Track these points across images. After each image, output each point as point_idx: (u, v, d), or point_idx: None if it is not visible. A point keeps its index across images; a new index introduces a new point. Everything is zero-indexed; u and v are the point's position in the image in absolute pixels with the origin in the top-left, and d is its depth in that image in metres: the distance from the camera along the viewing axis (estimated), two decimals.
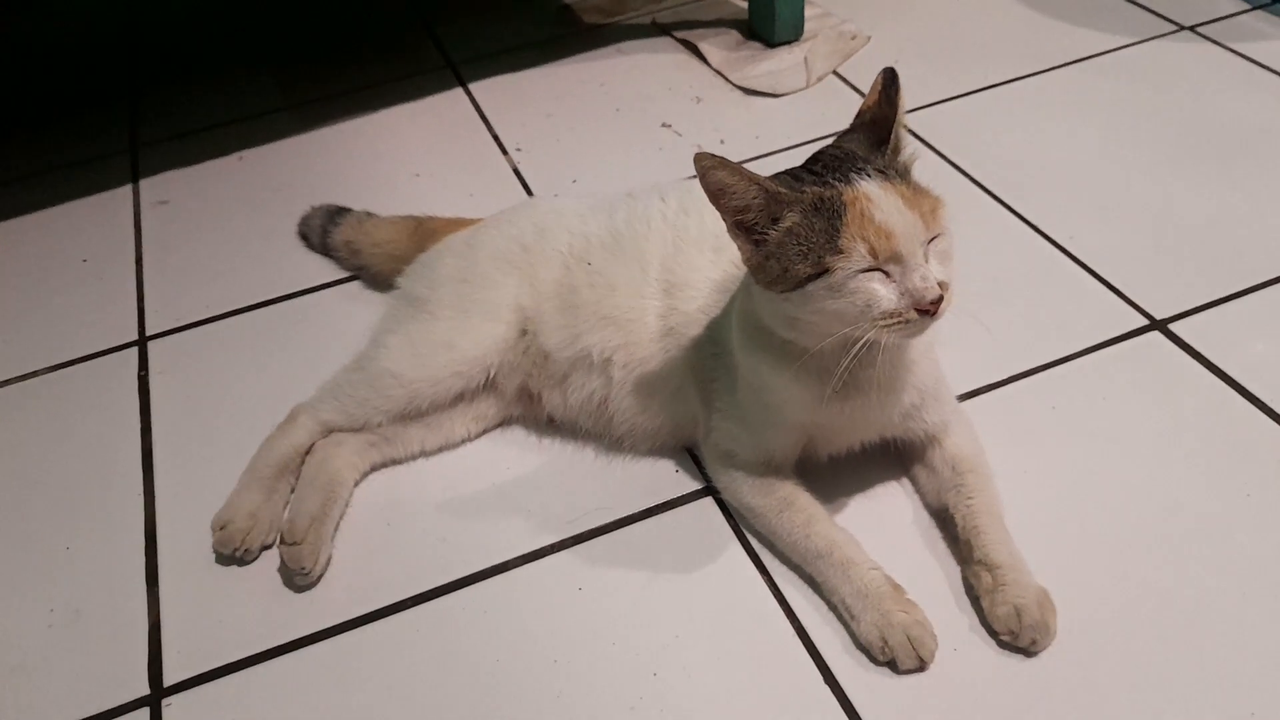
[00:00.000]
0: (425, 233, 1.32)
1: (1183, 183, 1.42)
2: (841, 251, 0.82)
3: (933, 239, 0.84)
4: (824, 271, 0.82)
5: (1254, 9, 1.78)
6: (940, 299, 0.82)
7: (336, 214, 1.45)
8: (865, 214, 0.82)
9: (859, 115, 0.91)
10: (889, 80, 0.89)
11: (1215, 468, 1.04)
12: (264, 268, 1.47)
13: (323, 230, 1.44)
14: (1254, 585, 0.93)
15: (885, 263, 0.82)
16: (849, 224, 0.82)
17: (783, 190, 0.84)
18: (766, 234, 0.86)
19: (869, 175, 0.84)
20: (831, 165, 0.86)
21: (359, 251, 1.39)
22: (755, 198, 0.85)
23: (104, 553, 1.09)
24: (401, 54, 1.98)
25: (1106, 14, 1.82)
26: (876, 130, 0.88)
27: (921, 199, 0.84)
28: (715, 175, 0.84)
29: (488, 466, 1.14)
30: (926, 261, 0.83)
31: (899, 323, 0.83)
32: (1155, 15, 1.80)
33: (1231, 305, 1.22)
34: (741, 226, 0.87)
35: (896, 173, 0.86)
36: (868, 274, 0.82)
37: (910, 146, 0.89)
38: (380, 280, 1.36)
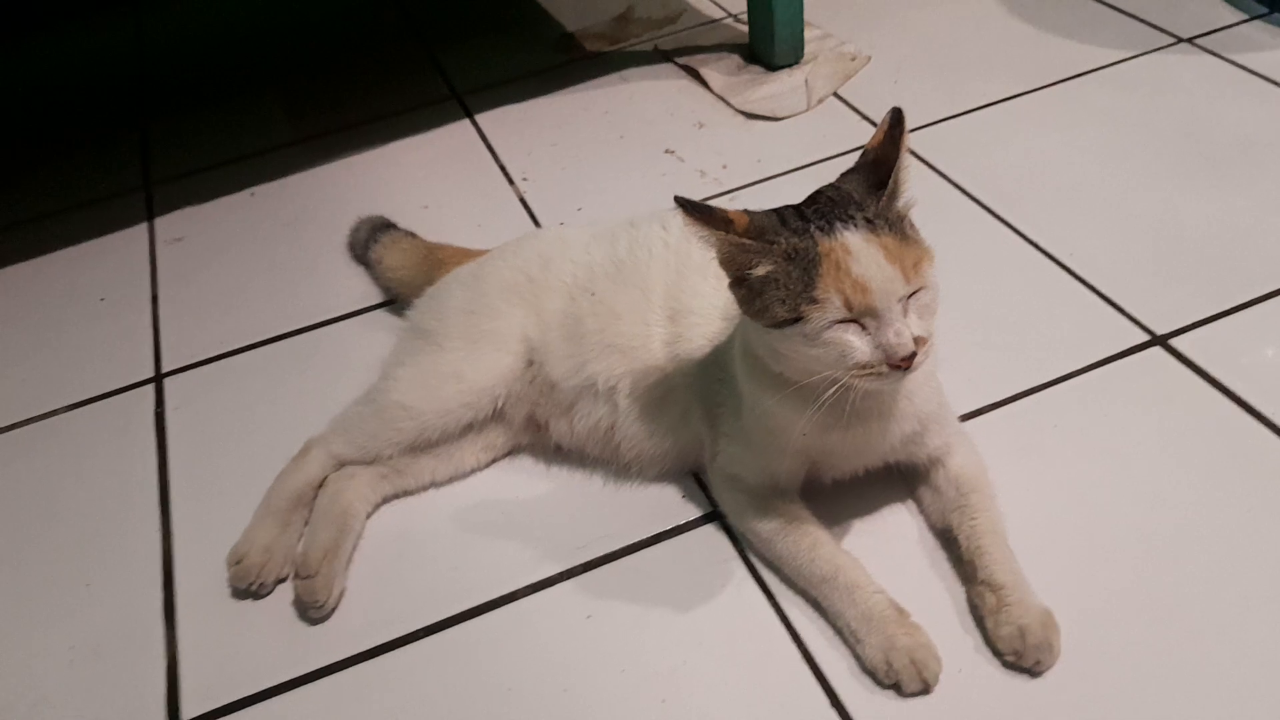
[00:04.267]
0: (435, 262, 1.34)
1: (1183, 196, 1.43)
2: (817, 301, 0.82)
3: (915, 292, 0.84)
4: (800, 318, 0.84)
5: (1252, 19, 1.79)
6: (914, 354, 0.83)
7: (381, 229, 1.47)
8: (842, 266, 0.82)
9: (863, 154, 0.91)
10: (894, 121, 0.88)
11: (1218, 483, 1.04)
12: (277, 302, 1.50)
13: (365, 244, 1.48)
14: (1258, 600, 0.94)
15: (861, 315, 0.83)
16: (825, 275, 0.82)
17: (750, 242, 0.85)
18: (748, 274, 0.87)
19: (855, 225, 0.84)
20: (824, 208, 0.86)
21: (384, 272, 1.43)
22: (723, 247, 0.86)
23: (123, 588, 1.11)
24: (408, 86, 2.01)
25: (1105, 28, 1.83)
26: (877, 171, 0.88)
27: (906, 251, 0.83)
28: (689, 224, 0.85)
29: (497, 496, 1.15)
30: (906, 315, 0.84)
31: (872, 374, 0.84)
32: (1153, 28, 1.81)
33: (1232, 319, 1.22)
34: (724, 264, 0.88)
35: (887, 221, 0.85)
36: (843, 325, 0.83)
37: (909, 193, 0.88)
38: (407, 304, 1.36)
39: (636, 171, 1.67)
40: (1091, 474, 1.07)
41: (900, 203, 0.88)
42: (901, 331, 0.83)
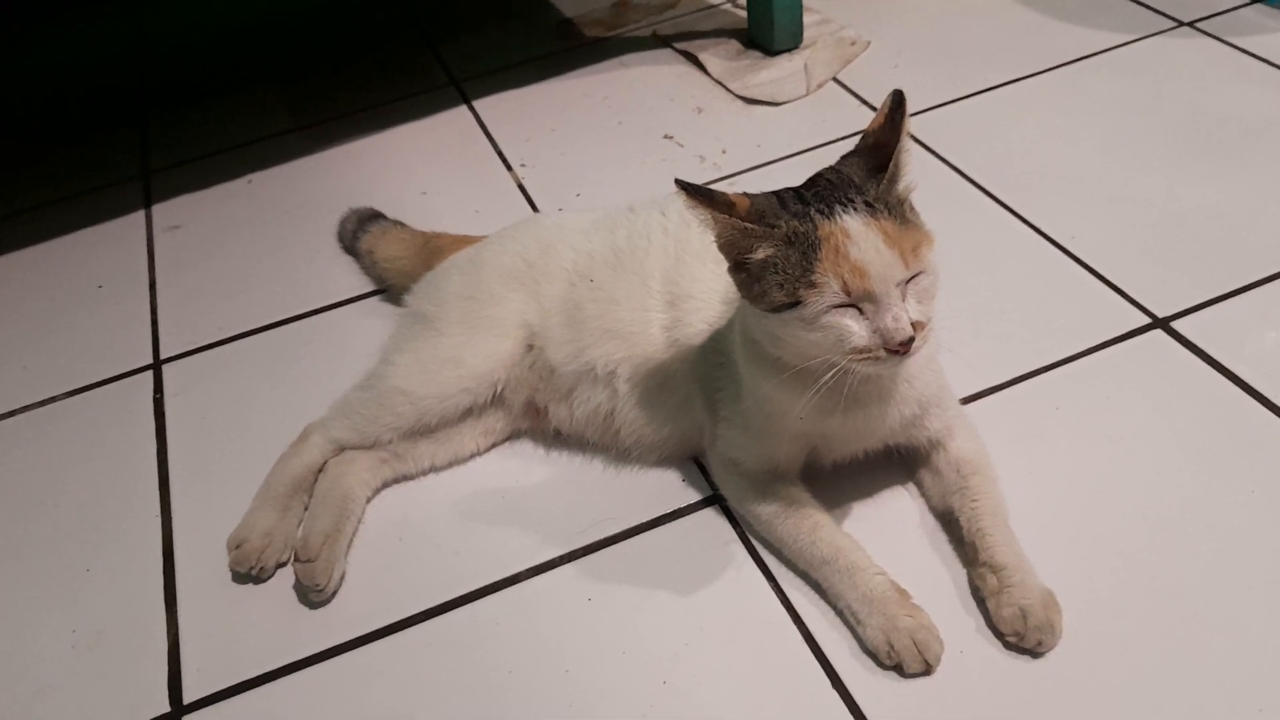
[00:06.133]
0: (432, 250, 1.34)
1: (1183, 179, 1.43)
2: (815, 285, 0.82)
3: (915, 276, 0.84)
4: (798, 303, 0.83)
5: (1253, 3, 1.78)
6: (912, 339, 0.82)
7: (369, 219, 1.47)
8: (841, 250, 0.81)
9: (863, 137, 0.90)
10: (895, 104, 0.87)
11: (1219, 465, 1.04)
12: (275, 288, 1.49)
13: (353, 235, 1.47)
14: (1259, 581, 0.94)
15: (859, 299, 0.82)
16: (823, 259, 0.82)
17: (751, 226, 0.84)
18: (747, 258, 0.86)
19: (855, 209, 0.83)
20: (824, 191, 0.86)
21: (376, 263, 1.42)
22: (724, 230, 0.85)
23: (123, 574, 1.11)
24: (406, 73, 2.01)
25: (1105, 12, 1.82)
26: (878, 155, 0.87)
27: (905, 235, 0.83)
28: (691, 206, 0.85)
29: (497, 480, 1.15)
30: (905, 299, 0.83)
31: (870, 359, 0.83)
32: (1154, 11, 1.80)
33: (1234, 301, 1.22)
34: (724, 248, 0.88)
35: (886, 205, 0.84)
36: (841, 309, 0.83)
37: (910, 176, 0.88)
38: (401, 294, 1.35)
39: (635, 157, 1.66)
40: (1093, 456, 1.07)
41: (900, 186, 0.87)
42: (899, 316, 0.82)
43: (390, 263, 1.39)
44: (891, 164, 0.86)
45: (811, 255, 0.82)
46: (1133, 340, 1.19)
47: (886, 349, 0.83)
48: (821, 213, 0.83)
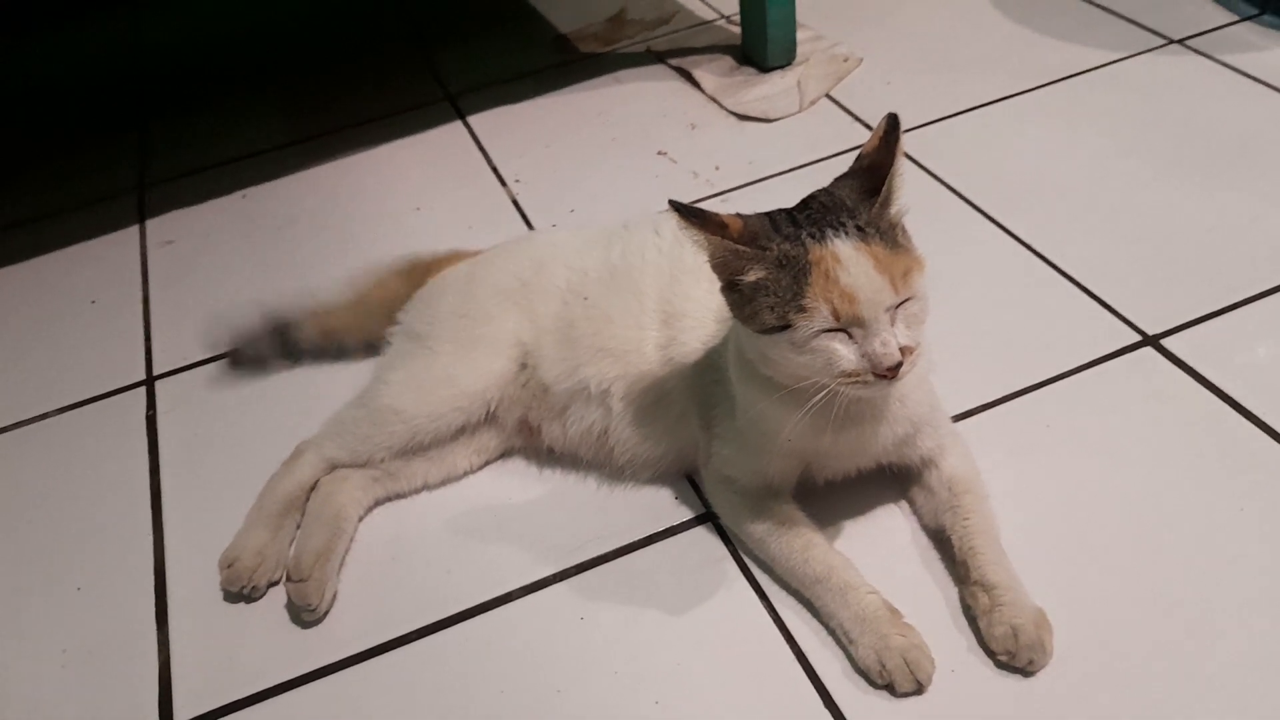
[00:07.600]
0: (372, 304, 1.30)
1: (1174, 196, 1.43)
2: (805, 310, 0.82)
3: (904, 301, 0.84)
4: (788, 326, 0.84)
5: (1242, 21, 1.79)
6: (899, 365, 0.83)
7: (282, 326, 1.34)
8: (831, 275, 0.82)
9: (858, 159, 0.90)
10: (890, 127, 0.87)
11: (1209, 482, 1.05)
12: (268, 304, 1.49)
13: (283, 343, 1.33)
14: (1250, 599, 0.94)
15: (848, 324, 0.83)
16: (814, 284, 0.82)
17: (743, 248, 0.85)
18: (739, 279, 0.87)
19: (846, 233, 0.83)
20: (816, 214, 0.86)
21: (332, 333, 1.33)
22: (716, 251, 0.86)
23: (114, 592, 1.11)
24: (401, 88, 2.01)
25: (1096, 29, 1.83)
26: (871, 177, 0.87)
27: (896, 261, 0.83)
28: (683, 227, 0.85)
29: (489, 499, 1.15)
30: (894, 324, 0.84)
31: (858, 382, 0.84)
32: (1144, 29, 1.81)
33: (1223, 319, 1.22)
34: (716, 268, 0.88)
35: (878, 230, 0.85)
36: (830, 334, 0.83)
37: (902, 200, 0.88)
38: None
39: (629, 173, 1.67)
40: (1084, 474, 1.07)
41: (893, 210, 0.88)
42: (888, 341, 0.83)
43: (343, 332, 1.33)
44: (885, 187, 0.86)
45: (802, 279, 0.83)
46: (1123, 357, 1.20)
47: (874, 374, 0.83)
48: (813, 236, 0.84)
